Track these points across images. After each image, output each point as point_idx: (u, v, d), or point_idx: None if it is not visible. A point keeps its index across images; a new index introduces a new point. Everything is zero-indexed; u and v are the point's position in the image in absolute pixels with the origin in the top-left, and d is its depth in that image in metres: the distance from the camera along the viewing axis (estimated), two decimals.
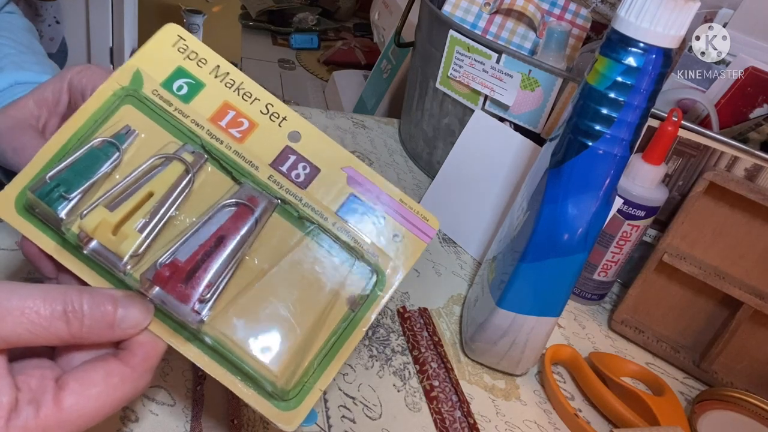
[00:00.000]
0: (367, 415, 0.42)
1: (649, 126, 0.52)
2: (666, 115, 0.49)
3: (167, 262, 0.29)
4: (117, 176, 0.31)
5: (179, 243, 0.30)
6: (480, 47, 0.59)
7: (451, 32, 0.61)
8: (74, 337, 0.27)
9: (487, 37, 0.67)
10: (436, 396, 0.44)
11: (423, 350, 0.47)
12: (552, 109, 0.57)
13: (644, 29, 0.35)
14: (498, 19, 0.68)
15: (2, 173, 0.45)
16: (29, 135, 0.39)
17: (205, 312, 0.29)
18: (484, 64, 0.59)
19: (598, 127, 0.38)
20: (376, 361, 0.46)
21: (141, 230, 0.30)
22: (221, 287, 0.30)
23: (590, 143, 0.38)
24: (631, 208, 0.51)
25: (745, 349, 0.52)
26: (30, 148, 0.39)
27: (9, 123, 0.39)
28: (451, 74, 0.62)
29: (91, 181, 0.30)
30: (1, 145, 0.40)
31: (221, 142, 0.32)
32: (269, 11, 1.88)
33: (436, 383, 0.45)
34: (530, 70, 0.57)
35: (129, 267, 0.29)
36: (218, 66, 0.33)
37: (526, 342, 0.45)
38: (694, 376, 0.53)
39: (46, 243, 0.30)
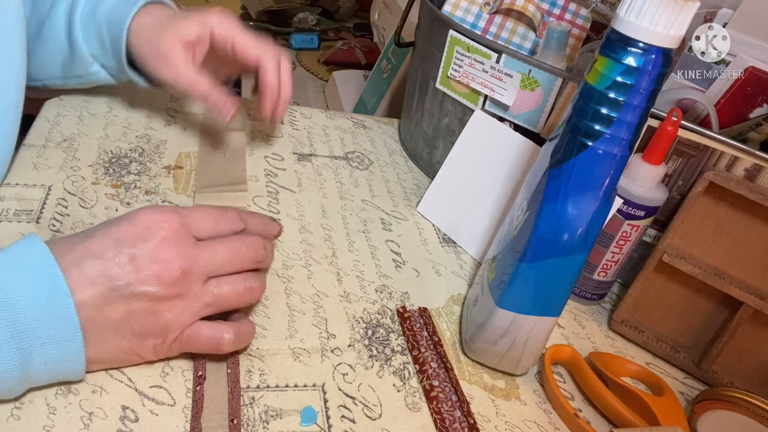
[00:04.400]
0: (367, 415, 0.42)
1: (649, 126, 0.52)
2: (666, 115, 0.49)
3: None
4: None
5: None
6: (480, 47, 0.59)
7: (451, 32, 0.61)
8: None
9: (487, 37, 0.67)
10: (436, 396, 0.44)
11: (423, 350, 0.47)
12: (552, 109, 0.57)
13: (644, 29, 0.35)
14: (498, 19, 0.68)
15: (143, 78, 0.57)
16: (183, 55, 0.53)
17: None
18: (483, 64, 0.59)
19: (597, 127, 0.38)
20: (376, 361, 0.46)
21: None
22: None
23: (590, 143, 0.38)
24: (631, 208, 0.51)
25: (745, 349, 0.52)
26: (181, 64, 0.52)
27: (166, 44, 0.52)
28: (451, 74, 0.62)
29: None
30: (151, 57, 0.53)
31: None
32: (269, 11, 1.87)
33: (436, 383, 0.45)
34: (530, 70, 0.57)
35: None
36: None
37: (526, 342, 0.45)
38: (694, 376, 0.53)
39: None
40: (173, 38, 0.53)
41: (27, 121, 0.62)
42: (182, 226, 0.39)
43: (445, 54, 0.62)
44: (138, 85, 0.58)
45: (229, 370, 0.41)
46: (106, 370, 0.40)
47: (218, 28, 0.54)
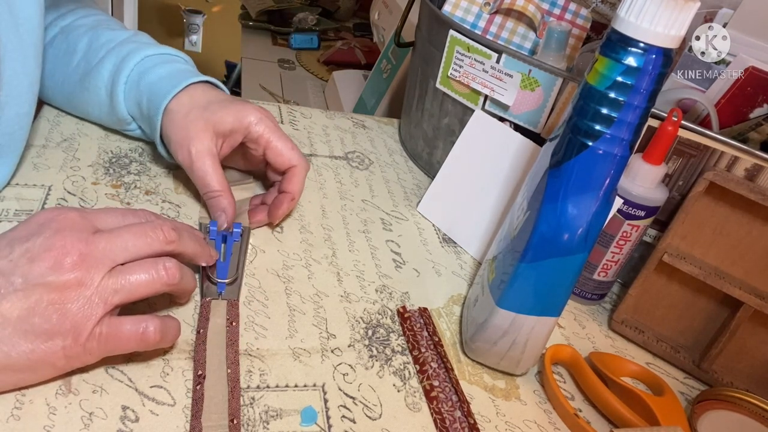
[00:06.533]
0: (367, 415, 0.42)
1: (649, 126, 0.52)
2: (666, 115, 0.49)
3: None
4: None
5: None
6: (480, 47, 0.59)
7: (451, 32, 0.61)
8: None
9: (487, 37, 0.67)
10: (436, 396, 0.44)
11: (423, 350, 0.47)
12: (552, 109, 0.57)
13: (644, 29, 0.35)
14: (498, 19, 0.68)
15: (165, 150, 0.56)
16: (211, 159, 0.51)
17: None
18: (484, 64, 0.59)
19: (598, 127, 0.38)
20: (376, 361, 0.46)
21: None
22: None
23: (590, 143, 0.38)
24: (631, 208, 0.51)
25: (745, 349, 0.52)
26: (210, 167, 0.51)
27: (201, 147, 0.51)
28: (451, 74, 0.62)
29: None
30: (176, 140, 0.51)
31: None
32: (269, 11, 1.87)
33: (436, 383, 0.45)
34: (530, 70, 0.57)
35: None
36: None
37: (526, 342, 0.45)
38: (694, 376, 0.53)
39: None
40: (206, 124, 0.51)
41: None
42: (81, 218, 0.38)
43: (445, 54, 0.62)
44: (167, 159, 0.57)
45: (229, 370, 0.41)
46: (19, 389, 0.37)
47: (256, 126, 0.52)
